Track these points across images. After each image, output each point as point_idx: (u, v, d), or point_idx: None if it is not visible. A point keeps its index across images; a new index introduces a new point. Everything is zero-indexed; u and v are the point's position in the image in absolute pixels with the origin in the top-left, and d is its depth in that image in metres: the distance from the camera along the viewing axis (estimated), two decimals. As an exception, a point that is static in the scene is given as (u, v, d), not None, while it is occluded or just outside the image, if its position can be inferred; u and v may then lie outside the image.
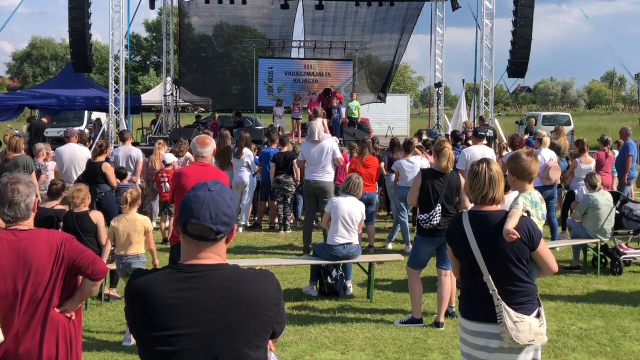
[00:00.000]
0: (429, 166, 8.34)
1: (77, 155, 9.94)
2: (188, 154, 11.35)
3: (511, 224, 3.45)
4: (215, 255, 2.15)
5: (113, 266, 6.77)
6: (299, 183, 10.80)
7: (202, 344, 2.07)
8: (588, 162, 10.07)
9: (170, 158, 10.39)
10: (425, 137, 13.00)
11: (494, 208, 3.60)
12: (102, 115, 19.87)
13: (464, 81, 22.73)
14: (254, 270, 2.24)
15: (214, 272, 2.12)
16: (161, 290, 2.09)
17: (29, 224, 3.28)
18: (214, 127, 19.37)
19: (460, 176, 6.52)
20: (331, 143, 9.27)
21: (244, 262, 7.84)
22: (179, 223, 2.15)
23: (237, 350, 2.10)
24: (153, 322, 2.08)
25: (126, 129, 15.59)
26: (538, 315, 3.48)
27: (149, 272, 2.18)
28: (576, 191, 10.11)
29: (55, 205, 6.84)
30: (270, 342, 2.31)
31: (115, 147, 14.14)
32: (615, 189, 11.00)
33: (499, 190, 3.58)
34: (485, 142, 10.05)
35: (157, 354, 2.09)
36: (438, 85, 24.00)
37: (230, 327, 2.09)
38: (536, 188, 4.56)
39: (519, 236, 3.43)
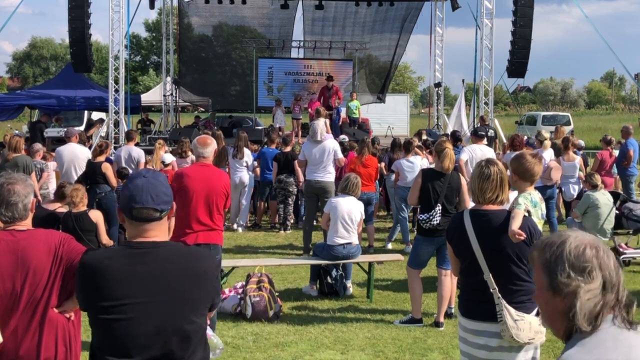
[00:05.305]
0: (429, 166, 8.33)
1: (77, 155, 9.93)
2: (192, 157, 11.18)
3: (515, 225, 3.47)
4: (160, 233, 2.43)
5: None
6: (300, 184, 10.72)
7: (153, 311, 2.31)
8: (571, 160, 10.12)
9: (169, 158, 10.30)
10: (424, 137, 12.99)
11: (495, 207, 3.60)
12: (102, 115, 19.81)
13: (463, 81, 22.69)
14: (196, 247, 2.58)
15: (163, 247, 2.40)
16: (115, 264, 2.32)
17: (26, 224, 3.26)
18: (208, 125, 19.39)
19: (460, 176, 6.51)
20: (332, 143, 9.32)
21: (244, 261, 7.83)
22: (122, 211, 2.40)
23: (185, 317, 2.35)
24: (107, 293, 2.29)
25: (132, 129, 15.59)
26: (537, 314, 3.48)
27: (99, 249, 2.34)
28: (563, 188, 10.12)
29: (58, 207, 6.82)
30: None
31: (115, 147, 14.13)
32: (620, 189, 11.00)
33: (506, 191, 3.62)
34: (485, 141, 10.05)
35: (109, 322, 2.29)
36: (438, 85, 23.96)
37: (180, 295, 2.35)
38: (537, 188, 4.56)
39: (525, 236, 3.45)
